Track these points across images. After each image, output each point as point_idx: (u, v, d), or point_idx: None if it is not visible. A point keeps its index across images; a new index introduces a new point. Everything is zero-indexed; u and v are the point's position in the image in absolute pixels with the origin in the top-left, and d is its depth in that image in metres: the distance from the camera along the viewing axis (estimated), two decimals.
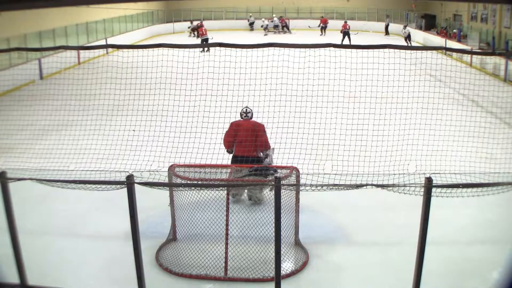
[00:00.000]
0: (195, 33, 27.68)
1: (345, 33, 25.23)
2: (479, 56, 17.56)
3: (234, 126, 6.67)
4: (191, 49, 5.61)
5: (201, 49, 18.15)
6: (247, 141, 6.46)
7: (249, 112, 6.77)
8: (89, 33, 22.71)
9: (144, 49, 5.46)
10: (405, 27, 26.24)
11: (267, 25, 31.33)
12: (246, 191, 6.62)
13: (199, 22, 28.61)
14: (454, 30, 24.62)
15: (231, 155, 6.74)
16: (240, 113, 6.81)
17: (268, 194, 6.10)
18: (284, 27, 31.87)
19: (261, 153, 6.58)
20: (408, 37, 25.63)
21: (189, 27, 30.21)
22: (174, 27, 32.12)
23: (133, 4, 23.53)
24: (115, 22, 25.56)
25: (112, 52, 19.96)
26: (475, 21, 24.53)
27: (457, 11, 27.33)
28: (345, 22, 26.47)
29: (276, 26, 32.01)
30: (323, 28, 30.55)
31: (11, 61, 14.98)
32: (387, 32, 30.18)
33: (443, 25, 27.64)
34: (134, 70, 7.68)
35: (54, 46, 17.93)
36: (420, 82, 8.23)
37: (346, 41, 24.81)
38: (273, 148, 6.73)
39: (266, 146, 6.59)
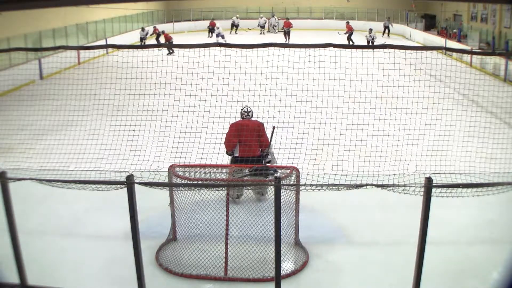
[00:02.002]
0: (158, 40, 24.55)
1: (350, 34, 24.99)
2: (479, 56, 17.55)
3: (237, 127, 6.65)
4: (191, 49, 5.60)
5: (168, 51, 18.81)
6: (252, 141, 6.47)
7: (250, 111, 6.79)
8: (89, 33, 22.71)
9: (144, 49, 5.47)
10: (370, 31, 23.87)
11: (219, 33, 26.21)
12: (251, 190, 6.63)
13: (156, 29, 25.45)
14: (454, 30, 24.63)
15: (230, 156, 6.74)
16: (241, 113, 6.80)
17: (270, 188, 6.09)
18: (210, 31, 28.52)
19: (263, 152, 6.59)
20: (371, 42, 23.53)
21: (146, 35, 25.23)
22: (174, 27, 32.13)
23: (133, 4, 23.51)
24: (115, 22, 25.57)
25: (112, 52, 19.97)
26: (475, 21, 24.55)
27: (457, 11, 27.36)
28: (348, 22, 26.00)
29: (262, 27, 31.15)
30: (287, 33, 27.48)
31: (11, 61, 14.98)
32: (386, 33, 29.08)
33: (443, 25, 27.66)
34: (134, 70, 7.68)
35: (54, 46, 17.94)
36: (420, 82, 8.22)
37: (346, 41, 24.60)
38: (272, 144, 6.72)
39: (267, 144, 6.61)
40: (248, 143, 6.50)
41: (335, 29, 27.94)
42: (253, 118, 6.84)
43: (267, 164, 6.51)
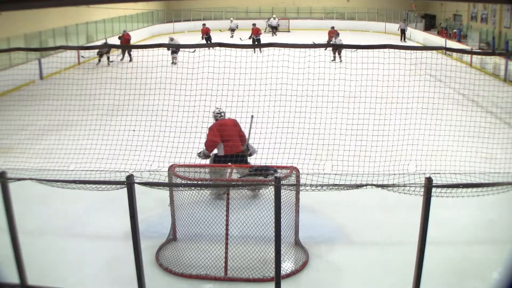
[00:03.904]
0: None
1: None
2: (479, 56, 17.54)
3: (217, 127, 6.68)
4: (191, 49, 5.61)
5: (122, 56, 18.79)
6: (235, 137, 6.59)
7: (223, 112, 6.90)
8: (89, 33, 22.71)
9: (144, 49, 5.48)
10: (337, 35, 20.75)
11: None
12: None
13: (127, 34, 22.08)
14: (454, 30, 24.62)
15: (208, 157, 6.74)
16: (215, 116, 6.90)
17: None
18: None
19: (244, 146, 6.71)
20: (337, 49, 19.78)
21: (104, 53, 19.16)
22: (174, 27, 32.13)
23: (133, 4, 23.51)
24: (115, 22, 25.58)
25: (112, 52, 19.96)
26: (475, 21, 24.54)
27: (457, 11, 27.34)
28: (332, 28, 23.48)
29: (233, 30, 29.59)
30: (256, 41, 23.33)
31: (11, 61, 14.99)
32: (402, 38, 27.47)
33: (443, 25, 27.64)
34: (134, 70, 7.68)
35: (54, 46, 17.96)
36: (420, 82, 8.23)
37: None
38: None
39: (245, 138, 6.74)
40: (232, 141, 6.58)
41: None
42: (226, 117, 6.94)
43: (266, 164, 6.53)
